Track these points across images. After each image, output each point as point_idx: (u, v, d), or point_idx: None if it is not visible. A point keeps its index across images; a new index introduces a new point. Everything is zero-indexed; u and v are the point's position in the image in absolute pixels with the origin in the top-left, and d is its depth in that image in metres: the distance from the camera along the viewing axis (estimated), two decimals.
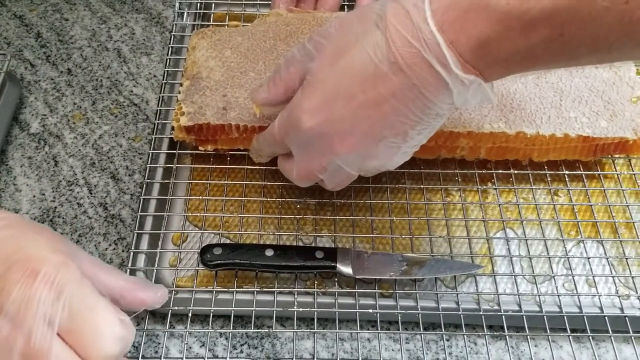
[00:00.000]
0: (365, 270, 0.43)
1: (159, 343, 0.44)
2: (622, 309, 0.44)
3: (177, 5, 0.60)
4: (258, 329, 0.44)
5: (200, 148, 0.50)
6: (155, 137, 0.51)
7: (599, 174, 0.51)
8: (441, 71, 0.33)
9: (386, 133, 0.37)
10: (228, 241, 0.48)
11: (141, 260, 0.45)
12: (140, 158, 0.54)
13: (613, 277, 0.46)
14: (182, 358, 0.42)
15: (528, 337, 0.43)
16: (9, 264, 0.31)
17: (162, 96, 0.53)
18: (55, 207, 0.51)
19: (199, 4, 0.61)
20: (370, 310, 0.43)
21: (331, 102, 0.37)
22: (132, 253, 0.45)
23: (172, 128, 0.49)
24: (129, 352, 0.43)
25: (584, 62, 0.33)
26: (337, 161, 0.39)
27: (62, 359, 0.31)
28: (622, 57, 0.32)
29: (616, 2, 0.28)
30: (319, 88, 0.38)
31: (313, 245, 0.47)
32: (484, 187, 0.50)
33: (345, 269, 0.43)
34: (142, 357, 0.41)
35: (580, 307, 0.43)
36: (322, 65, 0.38)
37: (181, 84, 0.51)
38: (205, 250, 0.44)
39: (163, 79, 0.54)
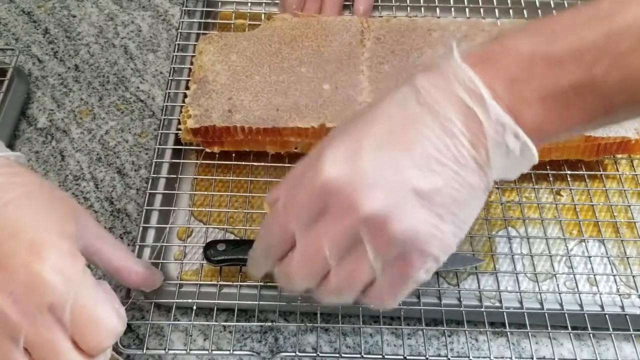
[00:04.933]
0: None
1: (164, 336, 0.44)
2: (622, 307, 0.44)
3: (184, 2, 0.60)
4: (262, 322, 0.44)
5: (207, 150, 0.50)
6: (161, 133, 0.51)
7: (601, 174, 0.51)
8: (473, 105, 0.29)
9: (415, 182, 0.30)
10: (232, 236, 0.48)
11: (147, 254, 0.45)
12: (146, 154, 0.55)
13: (614, 275, 0.46)
14: (186, 350, 0.42)
15: (529, 334, 0.43)
16: (16, 242, 0.31)
17: (169, 92, 0.53)
18: None
19: (205, 2, 0.61)
20: (373, 306, 0.43)
21: (354, 147, 0.31)
22: (137, 247, 0.45)
23: (178, 127, 0.49)
24: (134, 344, 0.44)
25: (622, 113, 0.30)
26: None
27: (63, 349, 0.32)
28: None
29: None
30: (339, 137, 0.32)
31: None
32: None
33: None
34: (146, 349, 0.42)
35: (581, 305, 0.44)
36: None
37: (188, 85, 0.51)
38: (209, 246, 0.44)
39: (169, 76, 0.55)
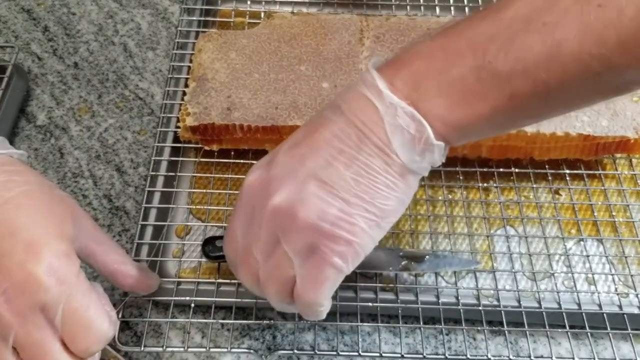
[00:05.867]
0: (365, 265, 0.43)
1: (162, 333, 0.44)
2: (620, 307, 0.44)
3: (183, 0, 0.60)
4: (259, 320, 0.44)
5: (205, 148, 0.50)
6: (160, 131, 0.51)
7: (600, 174, 0.51)
8: (370, 95, 0.32)
9: (318, 172, 0.32)
10: None
11: (145, 252, 0.45)
12: (145, 151, 0.55)
13: (612, 275, 0.46)
14: (184, 348, 0.42)
15: (527, 332, 0.43)
16: (13, 241, 0.31)
17: (168, 90, 0.53)
18: None
19: (205, 0, 0.61)
20: (371, 304, 0.43)
21: (274, 153, 0.35)
22: (136, 244, 0.45)
23: (177, 125, 0.50)
24: (132, 341, 0.44)
25: (535, 104, 0.30)
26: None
27: (51, 350, 0.32)
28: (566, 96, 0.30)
29: (535, 22, 0.28)
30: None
31: None
32: (486, 185, 0.51)
33: None
34: (144, 346, 0.42)
35: (579, 304, 0.44)
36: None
37: (187, 83, 0.52)
38: (207, 242, 0.44)
39: (169, 74, 0.55)
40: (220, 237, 0.44)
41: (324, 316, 0.35)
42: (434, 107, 0.31)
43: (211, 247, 0.44)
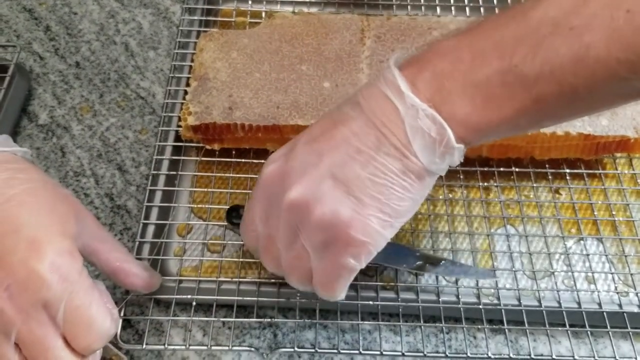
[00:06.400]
0: (380, 257, 0.40)
1: (163, 331, 0.44)
2: (620, 306, 0.44)
3: (184, 0, 0.60)
4: (260, 319, 0.45)
5: (207, 147, 0.51)
6: (161, 130, 0.51)
7: (600, 173, 0.51)
8: (391, 95, 0.31)
9: (335, 170, 0.32)
10: (232, 233, 0.48)
11: (146, 250, 0.46)
12: (147, 150, 0.55)
13: (612, 274, 0.46)
14: (185, 346, 0.42)
15: (527, 331, 0.43)
16: (16, 239, 0.31)
17: (169, 89, 0.54)
18: None
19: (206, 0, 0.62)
20: (372, 302, 0.43)
21: (292, 144, 0.35)
22: (137, 243, 0.45)
23: (178, 124, 0.50)
24: (134, 339, 0.44)
25: (560, 105, 0.30)
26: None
27: (53, 347, 0.32)
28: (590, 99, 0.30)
29: (562, 27, 0.28)
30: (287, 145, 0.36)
31: None
32: (486, 184, 0.51)
33: None
34: (146, 344, 0.42)
35: (579, 303, 0.44)
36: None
37: (188, 82, 0.52)
38: (232, 210, 0.44)
39: (170, 73, 0.55)
40: (243, 206, 0.44)
41: (342, 299, 0.36)
42: (457, 109, 0.30)
43: (235, 214, 0.43)
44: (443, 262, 0.44)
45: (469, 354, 0.42)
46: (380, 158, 0.31)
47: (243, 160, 0.51)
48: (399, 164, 0.31)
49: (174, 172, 0.50)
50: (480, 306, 0.43)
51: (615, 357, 0.42)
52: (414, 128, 0.31)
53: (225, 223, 0.47)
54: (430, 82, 0.31)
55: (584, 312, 0.43)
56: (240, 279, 0.44)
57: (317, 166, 0.32)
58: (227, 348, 0.43)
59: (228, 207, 0.47)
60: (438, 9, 0.60)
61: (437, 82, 0.31)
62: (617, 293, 0.45)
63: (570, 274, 0.46)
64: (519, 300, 0.44)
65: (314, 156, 0.32)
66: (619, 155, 0.52)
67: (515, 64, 0.29)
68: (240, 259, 0.46)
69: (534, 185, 0.51)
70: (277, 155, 0.35)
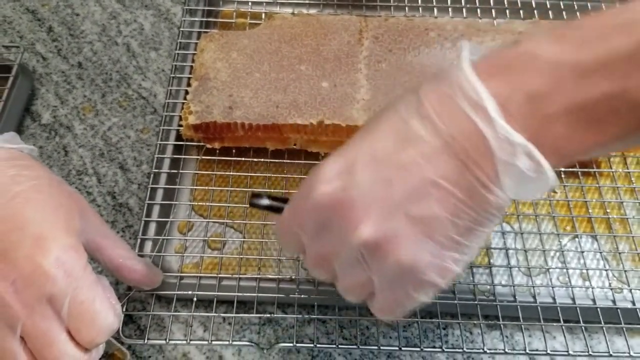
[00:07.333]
0: None
1: (164, 327, 0.45)
2: (614, 301, 0.45)
3: (185, 1, 0.61)
4: (260, 314, 0.45)
5: (207, 146, 0.51)
6: (162, 129, 0.52)
7: (594, 171, 0.52)
8: (478, 121, 0.26)
9: (408, 206, 0.28)
10: (232, 231, 0.49)
11: (148, 247, 0.46)
12: (148, 149, 0.55)
13: (606, 270, 0.47)
14: (186, 341, 0.43)
15: (522, 326, 0.44)
16: (22, 235, 0.32)
17: (170, 89, 0.54)
18: None
19: (207, 1, 0.62)
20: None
21: (349, 159, 0.30)
22: (139, 240, 0.46)
23: (179, 123, 0.50)
24: (136, 335, 0.45)
25: None
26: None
27: (57, 340, 0.32)
28: None
29: None
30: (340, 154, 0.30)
31: None
32: None
33: None
34: (147, 339, 0.42)
35: (573, 299, 0.45)
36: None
37: (189, 82, 0.53)
38: (255, 196, 0.43)
39: (171, 73, 0.55)
40: (266, 196, 0.43)
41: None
42: (554, 139, 0.26)
43: (257, 198, 0.42)
44: None
45: (465, 349, 0.42)
46: (460, 195, 0.27)
47: (243, 158, 0.52)
48: (483, 201, 0.27)
49: (175, 171, 0.51)
50: (476, 302, 0.44)
51: (609, 352, 0.42)
52: (507, 164, 0.26)
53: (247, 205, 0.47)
54: (524, 105, 0.26)
55: (578, 308, 0.44)
56: (240, 276, 0.45)
57: (387, 199, 0.28)
58: (227, 343, 0.43)
59: (249, 193, 0.47)
60: (435, 10, 0.61)
61: (532, 105, 0.26)
62: (612, 289, 0.46)
63: (565, 270, 0.47)
64: (514, 296, 0.45)
65: (380, 185, 0.28)
66: (613, 153, 0.52)
67: (629, 87, 0.25)
68: (240, 256, 0.46)
69: None
70: (331, 172, 0.29)
